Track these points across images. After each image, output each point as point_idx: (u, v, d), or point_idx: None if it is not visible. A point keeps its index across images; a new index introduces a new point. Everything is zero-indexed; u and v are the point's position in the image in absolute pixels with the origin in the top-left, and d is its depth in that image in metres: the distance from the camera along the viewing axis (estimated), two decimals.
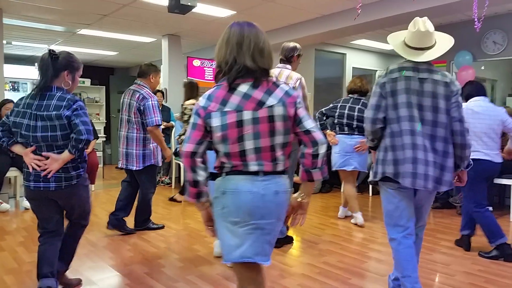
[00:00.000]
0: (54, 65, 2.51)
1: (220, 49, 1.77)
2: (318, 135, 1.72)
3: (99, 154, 7.74)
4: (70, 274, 2.94)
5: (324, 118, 4.79)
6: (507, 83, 6.82)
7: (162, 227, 4.40)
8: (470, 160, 2.49)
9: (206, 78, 7.61)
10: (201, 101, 1.76)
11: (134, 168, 4.03)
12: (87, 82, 10.47)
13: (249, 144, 1.69)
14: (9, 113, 2.59)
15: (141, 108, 3.93)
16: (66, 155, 2.48)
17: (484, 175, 3.54)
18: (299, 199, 1.80)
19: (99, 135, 6.88)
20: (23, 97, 2.62)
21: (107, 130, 10.33)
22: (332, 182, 6.58)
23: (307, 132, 1.72)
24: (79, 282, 2.94)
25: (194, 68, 7.47)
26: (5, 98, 5.61)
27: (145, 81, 4.13)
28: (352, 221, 4.66)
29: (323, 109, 4.82)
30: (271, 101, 1.70)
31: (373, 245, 3.88)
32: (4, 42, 6.57)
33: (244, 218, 1.71)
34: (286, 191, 1.77)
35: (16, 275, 3.06)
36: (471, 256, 3.59)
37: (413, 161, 2.32)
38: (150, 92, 4.05)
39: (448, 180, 2.35)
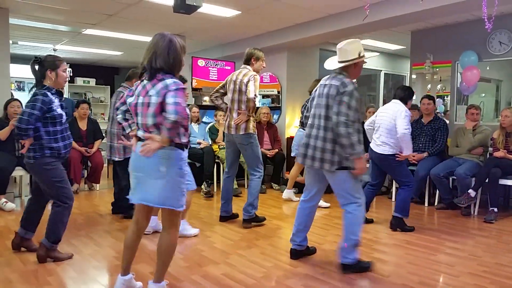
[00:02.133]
0: (39, 69, 3.19)
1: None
2: (171, 107, 2.31)
3: (104, 154, 7.75)
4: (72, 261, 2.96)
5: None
6: None
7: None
8: (357, 150, 2.95)
9: (210, 78, 7.62)
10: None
11: (117, 158, 4.54)
12: (92, 82, 10.51)
13: (138, 119, 2.51)
14: None
15: None
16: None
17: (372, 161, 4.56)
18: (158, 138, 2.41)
19: (104, 135, 6.90)
20: None
21: None
22: None
23: (168, 104, 2.36)
24: (70, 256, 3.42)
25: (199, 68, 7.48)
26: (11, 97, 5.65)
27: (129, 84, 4.63)
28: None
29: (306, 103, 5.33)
30: (152, 92, 2.41)
31: (377, 246, 3.87)
32: (10, 42, 6.61)
33: (131, 170, 2.55)
34: (156, 156, 2.38)
35: (21, 274, 3.08)
36: (476, 257, 3.57)
37: (305, 146, 3.20)
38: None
39: (327, 159, 3.05)
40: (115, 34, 7.35)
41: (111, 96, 10.65)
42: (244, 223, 4.46)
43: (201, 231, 4.27)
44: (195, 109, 6.60)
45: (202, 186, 6.13)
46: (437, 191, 5.54)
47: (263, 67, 4.51)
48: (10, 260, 3.36)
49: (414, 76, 7.04)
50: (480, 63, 6.11)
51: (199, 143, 6.52)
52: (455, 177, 5.22)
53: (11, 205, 5.12)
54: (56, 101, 3.22)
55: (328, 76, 3.25)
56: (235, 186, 6.22)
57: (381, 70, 9.27)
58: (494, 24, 4.21)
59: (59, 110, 3.24)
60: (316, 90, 3.31)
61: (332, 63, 3.25)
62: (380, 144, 4.33)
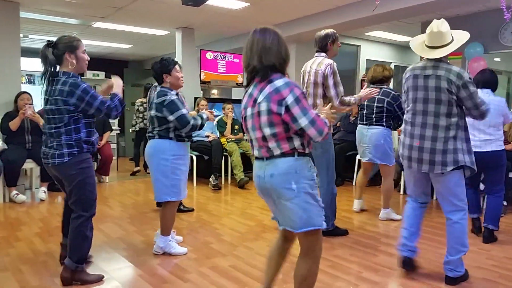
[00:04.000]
0: (54, 53, 2.69)
1: (243, 56, 2.11)
2: (311, 131, 1.96)
3: (113, 146, 7.82)
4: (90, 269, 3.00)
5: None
6: None
7: (192, 210, 4.84)
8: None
9: (219, 71, 7.61)
10: None
11: None
12: (102, 75, 10.54)
13: (251, 135, 2.10)
14: None
15: None
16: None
17: None
18: None
19: (113, 127, 6.95)
20: None
21: (121, 122, 10.39)
22: (344, 175, 6.55)
23: (302, 130, 1.96)
24: (100, 278, 2.88)
25: (207, 60, 7.47)
26: (21, 90, 5.70)
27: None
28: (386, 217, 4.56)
29: None
30: (260, 98, 1.99)
31: (385, 239, 3.86)
32: (21, 35, 6.66)
33: (260, 195, 2.17)
34: (282, 173, 1.99)
35: (32, 265, 3.12)
36: (485, 251, 3.55)
37: (409, 148, 2.85)
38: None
39: (439, 160, 2.72)
40: (124, 27, 7.37)
41: None
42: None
43: (209, 224, 4.30)
44: (203, 102, 6.60)
45: (210, 179, 6.15)
46: None
47: (339, 46, 3.99)
48: (21, 252, 3.41)
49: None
50: (489, 54, 6.03)
51: (208, 136, 6.53)
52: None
53: (22, 197, 5.19)
54: None
55: (421, 64, 2.83)
56: (242, 176, 6.24)
57: (391, 62, 9.19)
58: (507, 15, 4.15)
59: None
60: (403, 83, 2.93)
61: (433, 51, 2.76)
62: (489, 140, 3.74)
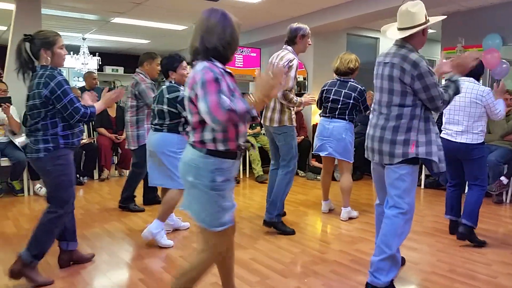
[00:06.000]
0: (31, 48, 2.68)
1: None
2: (208, 119, 1.79)
3: None
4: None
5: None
6: None
7: (142, 210, 4.60)
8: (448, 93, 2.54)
9: (236, 65, 7.62)
10: None
11: (132, 147, 4.38)
12: (121, 70, 10.67)
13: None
14: None
15: (136, 93, 4.26)
16: None
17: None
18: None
19: None
20: None
21: None
22: (363, 169, 6.51)
23: (200, 113, 1.83)
24: (49, 282, 2.76)
25: None
26: None
27: (142, 69, 4.44)
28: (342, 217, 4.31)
29: None
30: (187, 83, 1.91)
31: None
32: None
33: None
34: (184, 162, 1.94)
35: (55, 255, 3.13)
36: (509, 246, 3.50)
37: (368, 137, 2.66)
38: (143, 77, 4.34)
39: (386, 150, 2.50)
40: (142, 22, 7.42)
41: None
42: (264, 224, 3.88)
43: None
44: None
45: None
46: None
47: (309, 44, 3.90)
48: None
49: (444, 61, 6.86)
50: (508, 46, 5.92)
51: None
52: (487, 164, 5.09)
53: (45, 190, 5.29)
54: None
55: (387, 51, 2.63)
56: (261, 172, 6.26)
57: None
58: None
59: None
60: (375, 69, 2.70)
61: (395, 32, 2.57)
62: (461, 131, 3.52)
